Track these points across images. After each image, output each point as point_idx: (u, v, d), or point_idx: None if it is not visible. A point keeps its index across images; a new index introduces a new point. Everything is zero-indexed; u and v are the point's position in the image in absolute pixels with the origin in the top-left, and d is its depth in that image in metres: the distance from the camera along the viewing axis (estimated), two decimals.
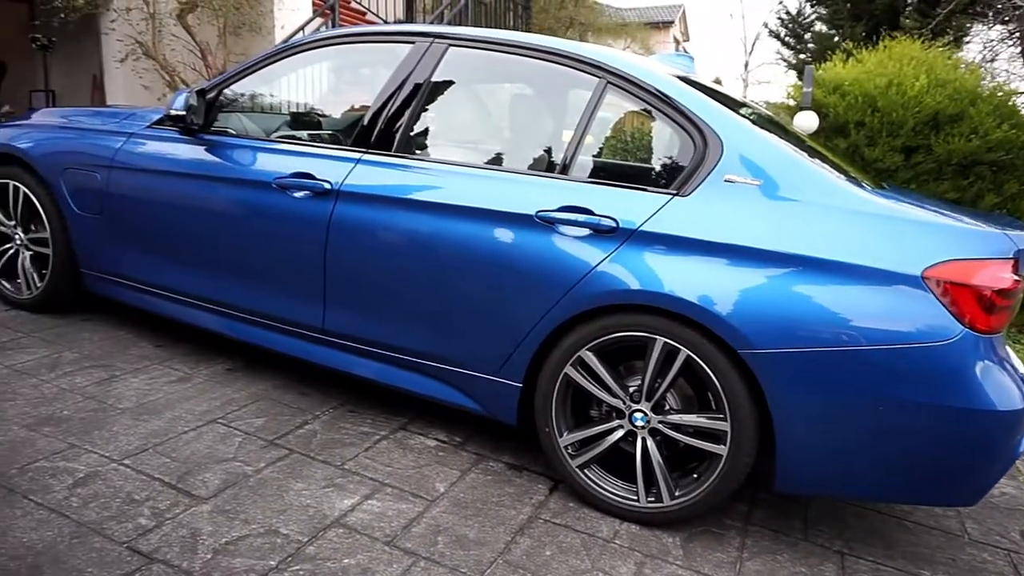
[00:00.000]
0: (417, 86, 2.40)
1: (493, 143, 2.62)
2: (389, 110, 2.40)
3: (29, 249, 3.15)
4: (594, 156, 2.39)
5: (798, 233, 1.87)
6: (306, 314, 2.49)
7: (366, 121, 2.44)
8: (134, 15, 6.48)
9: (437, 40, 2.44)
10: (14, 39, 8.40)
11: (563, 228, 2.05)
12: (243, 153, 2.60)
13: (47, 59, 7.82)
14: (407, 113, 2.38)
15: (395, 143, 2.37)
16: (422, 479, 2.17)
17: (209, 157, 2.64)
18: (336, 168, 2.39)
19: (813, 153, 2.22)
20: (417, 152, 2.44)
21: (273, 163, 2.52)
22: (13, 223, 3.16)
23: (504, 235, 2.12)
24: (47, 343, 2.90)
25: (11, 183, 3.10)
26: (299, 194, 2.40)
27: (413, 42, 2.47)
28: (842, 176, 2.07)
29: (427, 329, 2.29)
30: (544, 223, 2.07)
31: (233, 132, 2.78)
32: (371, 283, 2.34)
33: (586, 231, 2.03)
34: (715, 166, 2.00)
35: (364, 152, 2.39)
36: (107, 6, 6.77)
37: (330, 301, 2.43)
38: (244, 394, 2.62)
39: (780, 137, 2.19)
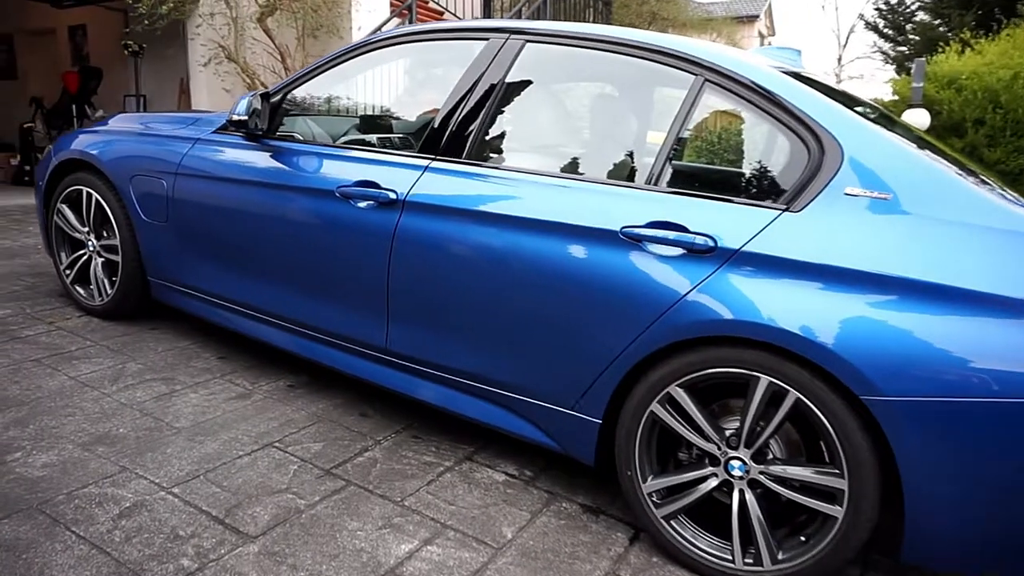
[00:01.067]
0: (491, 87, 2.19)
1: (573, 149, 2.38)
2: (460, 113, 2.20)
3: (101, 256, 3.12)
4: (688, 164, 2.11)
5: (941, 258, 1.55)
6: (368, 332, 2.33)
7: (435, 125, 2.25)
8: (217, 19, 6.57)
9: (513, 36, 2.22)
10: (110, 46, 8.73)
11: (651, 247, 1.80)
12: (306, 159, 2.46)
13: (138, 65, 8.07)
14: (479, 116, 2.17)
15: (466, 149, 2.17)
16: (488, 521, 1.96)
17: (271, 163, 2.51)
18: (402, 176, 2.21)
19: (948, 159, 1.88)
20: (490, 159, 2.23)
21: (337, 170, 2.37)
22: (86, 229, 3.14)
23: (584, 253, 1.88)
24: (113, 353, 2.85)
25: (84, 189, 3.08)
26: (363, 204, 2.24)
27: (487, 39, 2.26)
28: (990, 187, 1.73)
29: (496, 354, 2.08)
30: (630, 240, 1.82)
31: (299, 137, 2.66)
32: (437, 301, 2.15)
33: (678, 251, 1.77)
34: (833, 176, 1.70)
35: (433, 159, 2.21)
36: (193, 11, 6.90)
37: (394, 319, 2.25)
38: (304, 414, 2.48)
39: (909, 141, 1.87)
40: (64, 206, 3.19)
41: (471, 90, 2.21)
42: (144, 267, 2.97)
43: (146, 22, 6.19)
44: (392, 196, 2.18)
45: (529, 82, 2.28)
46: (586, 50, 2.13)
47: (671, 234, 1.77)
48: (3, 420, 2.25)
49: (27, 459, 2.04)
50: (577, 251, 1.89)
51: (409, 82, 2.85)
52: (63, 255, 3.27)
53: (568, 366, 1.96)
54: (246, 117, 2.43)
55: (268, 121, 2.54)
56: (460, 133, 2.19)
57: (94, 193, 3.03)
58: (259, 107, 2.49)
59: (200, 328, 3.14)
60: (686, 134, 1.93)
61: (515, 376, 2.06)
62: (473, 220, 2.05)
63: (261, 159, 2.53)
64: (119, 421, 2.31)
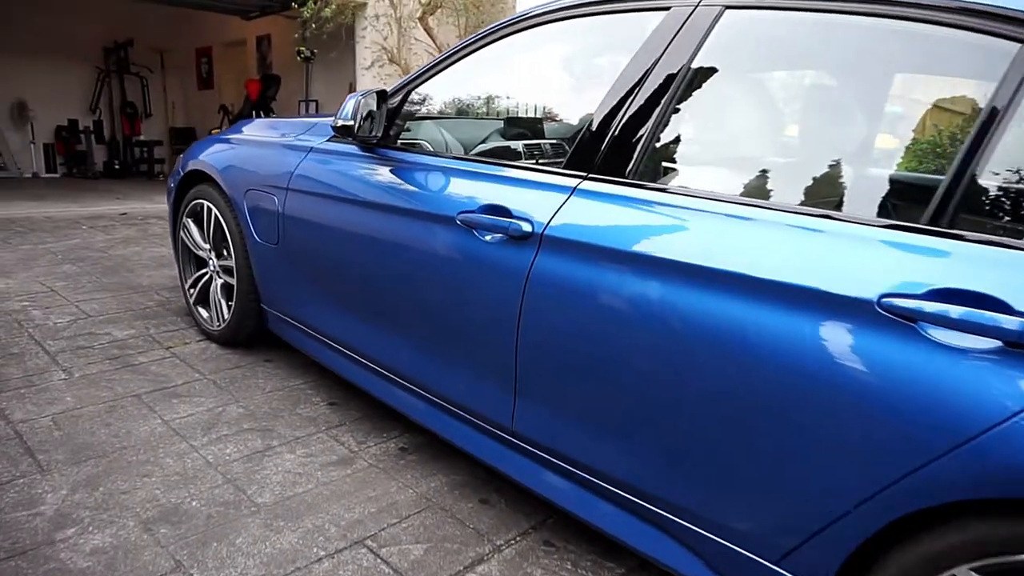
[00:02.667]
0: (670, 77, 1.52)
1: (797, 166, 1.62)
2: (624, 114, 1.56)
3: (220, 277, 2.83)
4: (1006, 191, 1.31)
5: None
6: (490, 405, 1.76)
7: (588, 130, 1.63)
8: (381, 21, 6.40)
9: (706, 2, 1.54)
10: (289, 54, 8.99)
11: (939, 332, 1.06)
12: (424, 175, 1.93)
13: (309, 70, 8.19)
14: (653, 118, 1.52)
15: (632, 164, 1.52)
16: None
17: (382, 179, 2.01)
18: (542, 201, 1.62)
19: None
20: (668, 179, 1.58)
21: (460, 190, 1.82)
22: (208, 247, 2.86)
23: (821, 336, 1.17)
24: (218, 391, 2.52)
25: (205, 203, 2.80)
26: (489, 237, 1.67)
27: (668, 6, 1.60)
28: None
29: (662, 461, 1.43)
30: (899, 320, 1.09)
31: (426, 146, 2.15)
32: (583, 377, 1.53)
33: (994, 343, 1.02)
34: None
35: (584, 177, 1.58)
36: (360, 14, 6.80)
37: (522, 392, 1.66)
38: (411, 495, 1.96)
39: None
40: (189, 220, 2.95)
41: (642, 80, 1.56)
42: (259, 293, 2.62)
43: (312, 26, 6.13)
44: (526, 228, 1.59)
45: (729, 68, 1.58)
46: (830, 14, 1.39)
47: (983, 317, 1.03)
48: (76, 477, 1.93)
49: (79, 540, 1.68)
50: (811, 331, 1.17)
51: (557, 74, 2.24)
52: (188, 273, 3.03)
53: (774, 500, 1.26)
54: (352, 122, 1.94)
55: (385, 127, 2.06)
56: (623, 141, 1.55)
57: (214, 208, 2.74)
58: (373, 109, 2.01)
59: (315, 364, 2.75)
60: (1004, 141, 1.15)
61: (685, 494, 1.40)
62: (641, 270, 1.40)
63: (371, 174, 2.05)
64: (196, 489, 1.92)
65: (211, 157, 2.75)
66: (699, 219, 1.37)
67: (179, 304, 3.42)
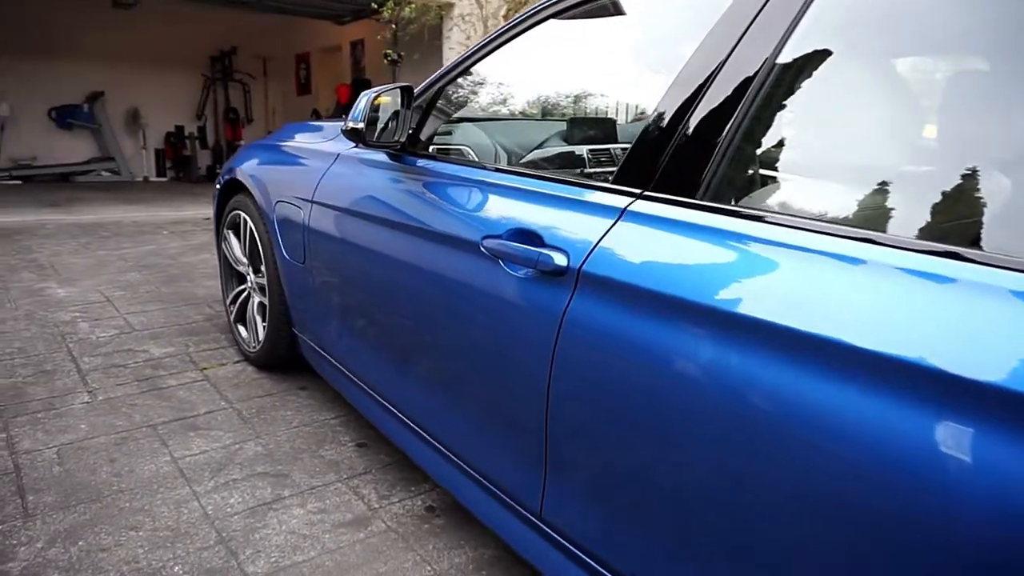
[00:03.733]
0: (759, 64, 1.10)
1: (937, 181, 1.13)
2: (693, 113, 1.15)
3: (256, 295, 2.60)
4: None
5: None
6: (515, 479, 1.40)
7: (645, 132, 1.24)
8: (467, 21, 6.15)
9: None
10: (380, 58, 8.94)
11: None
12: (447, 189, 1.58)
13: (396, 74, 8.07)
14: (733, 119, 1.10)
15: (705, 179, 1.11)
16: None
17: (401, 193, 1.69)
18: (583, 226, 1.23)
19: None
20: (757, 199, 1.16)
21: (486, 208, 1.46)
22: (246, 262, 2.65)
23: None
24: (240, 423, 2.27)
25: (241, 215, 2.58)
26: (516, 271, 1.30)
27: None
28: None
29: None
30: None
31: (469, 153, 1.82)
32: (632, 466, 1.14)
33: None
34: None
35: (636, 196, 1.19)
36: (447, 14, 6.59)
37: (554, 470, 1.28)
38: (427, 573, 1.62)
39: None
40: (229, 232, 2.74)
41: (718, 70, 1.15)
42: (290, 316, 2.36)
43: (393, 26, 5.96)
44: (560, 262, 1.21)
45: (839, 54, 1.14)
46: None
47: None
48: (59, 526, 1.71)
49: None
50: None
51: (637, 58, 1.80)
52: (229, 288, 2.83)
53: None
54: (361, 124, 1.62)
55: (414, 130, 1.73)
56: (691, 150, 1.14)
57: (249, 220, 2.51)
58: (400, 109, 1.68)
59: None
60: None
61: None
62: (710, 329, 0.99)
63: (391, 186, 1.72)
64: (183, 549, 1.65)
65: (246, 164, 2.53)
66: (804, 262, 0.94)
67: (226, 320, 3.24)
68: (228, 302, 2.84)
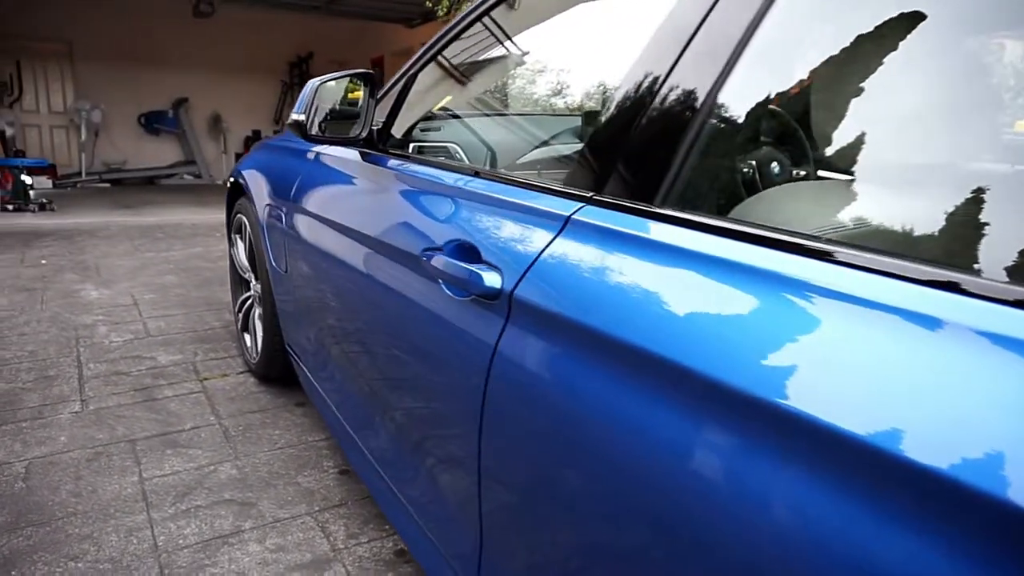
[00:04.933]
0: (729, 29, 0.82)
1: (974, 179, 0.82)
2: (652, 101, 0.88)
3: (258, 305, 2.46)
4: None
5: None
6: (452, 537, 1.16)
7: (595, 130, 0.99)
8: None
9: None
10: None
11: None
12: (401, 191, 1.36)
13: None
14: (699, 109, 0.82)
15: (663, 184, 0.84)
16: None
17: (357, 195, 1.48)
18: (519, 237, 0.99)
19: None
20: (741, 211, 0.88)
21: (432, 213, 1.23)
22: (248, 267, 2.51)
23: None
24: (223, 441, 2.12)
25: (243, 219, 2.44)
26: (452, 292, 1.06)
27: None
28: None
29: None
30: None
31: (455, 151, 1.60)
32: (566, 538, 0.88)
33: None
34: None
35: (585, 200, 0.93)
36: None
37: (489, 533, 1.04)
38: None
39: None
40: (237, 237, 2.62)
41: (685, 49, 0.87)
42: (281, 327, 2.20)
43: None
44: (492, 283, 0.96)
45: (847, 24, 0.84)
46: None
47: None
48: None
49: None
50: None
51: (605, 45, 1.50)
52: (237, 295, 2.71)
53: None
54: (303, 116, 1.42)
55: (383, 126, 1.52)
56: (648, 144, 0.87)
57: (247, 225, 2.38)
58: (364, 103, 1.47)
59: None
60: None
61: None
62: (662, 391, 0.70)
63: (350, 188, 1.52)
64: None
65: (246, 165, 2.39)
66: (796, 298, 0.65)
67: None
68: (235, 310, 2.72)
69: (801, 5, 0.83)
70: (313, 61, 12.06)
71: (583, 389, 0.80)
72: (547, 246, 0.92)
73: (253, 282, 2.48)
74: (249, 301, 2.56)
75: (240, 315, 2.65)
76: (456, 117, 1.64)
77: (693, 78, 0.85)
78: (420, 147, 1.56)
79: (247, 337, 2.64)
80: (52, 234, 5.32)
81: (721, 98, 0.82)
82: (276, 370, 2.39)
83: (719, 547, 0.61)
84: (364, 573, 1.59)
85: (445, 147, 1.58)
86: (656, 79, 0.90)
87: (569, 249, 0.90)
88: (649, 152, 0.87)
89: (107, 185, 10.52)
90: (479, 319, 0.99)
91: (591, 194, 0.93)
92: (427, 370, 1.18)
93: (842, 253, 0.62)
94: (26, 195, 6.75)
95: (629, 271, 0.81)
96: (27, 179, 6.93)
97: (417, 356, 1.22)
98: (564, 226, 0.92)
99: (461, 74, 1.64)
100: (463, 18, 1.41)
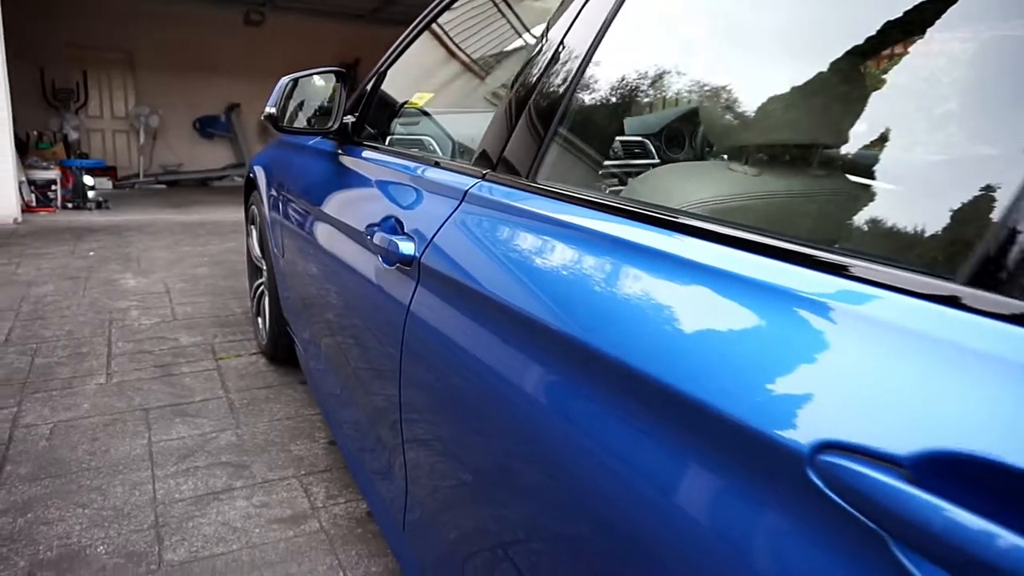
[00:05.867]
0: (580, 58, 0.93)
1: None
2: (535, 94, 1.01)
3: (267, 290, 2.65)
4: None
5: None
6: (383, 491, 1.30)
7: (495, 115, 1.11)
8: None
9: None
10: None
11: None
12: (362, 178, 1.51)
13: None
14: (560, 105, 0.94)
15: (534, 160, 0.97)
16: None
17: (327, 183, 1.64)
18: (431, 210, 1.13)
19: None
20: (598, 184, 1.00)
21: (381, 198, 1.38)
22: (260, 255, 2.71)
23: None
24: (227, 412, 2.31)
25: (254, 208, 2.64)
26: (384, 261, 1.21)
27: None
28: None
29: None
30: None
31: (407, 141, 1.75)
32: (467, 499, 0.99)
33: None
34: None
35: (480, 177, 1.06)
36: None
37: (412, 484, 1.17)
38: None
39: None
40: (252, 227, 2.82)
41: (555, 54, 0.99)
42: (282, 310, 2.38)
43: None
44: (406, 251, 1.10)
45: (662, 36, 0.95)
46: None
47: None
48: (18, 497, 1.79)
49: None
50: None
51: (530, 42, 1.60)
52: (252, 281, 2.91)
53: None
54: (273, 110, 1.58)
55: (356, 120, 1.67)
56: (523, 132, 1.00)
57: (257, 213, 2.57)
58: (337, 98, 1.64)
59: None
60: None
61: None
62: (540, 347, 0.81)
63: (321, 177, 1.68)
64: (116, 530, 1.68)
65: (258, 160, 2.59)
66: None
67: None
68: (251, 296, 2.92)
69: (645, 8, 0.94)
70: (360, 68, 12.42)
71: (475, 345, 0.91)
72: (448, 217, 1.06)
73: (264, 269, 2.67)
74: (261, 287, 2.75)
75: (254, 301, 2.85)
76: (422, 113, 1.79)
77: (557, 82, 0.98)
78: (389, 139, 1.71)
79: (260, 321, 2.84)
80: (103, 229, 5.68)
81: (577, 97, 0.95)
82: (281, 351, 2.57)
83: (586, 475, 0.67)
84: (336, 528, 1.74)
85: (405, 139, 1.72)
86: (528, 80, 1.03)
87: (466, 219, 1.03)
88: (524, 138, 1.00)
89: (163, 186, 11.04)
90: (399, 284, 1.13)
91: (485, 172, 1.06)
92: (372, 338, 1.32)
93: (686, 224, 0.70)
94: (84, 194, 7.19)
95: (509, 237, 0.93)
96: (89, 180, 7.39)
97: (366, 326, 1.36)
98: (462, 200, 1.06)
99: (420, 74, 1.79)
100: (414, 26, 1.55)
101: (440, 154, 1.60)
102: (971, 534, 0.37)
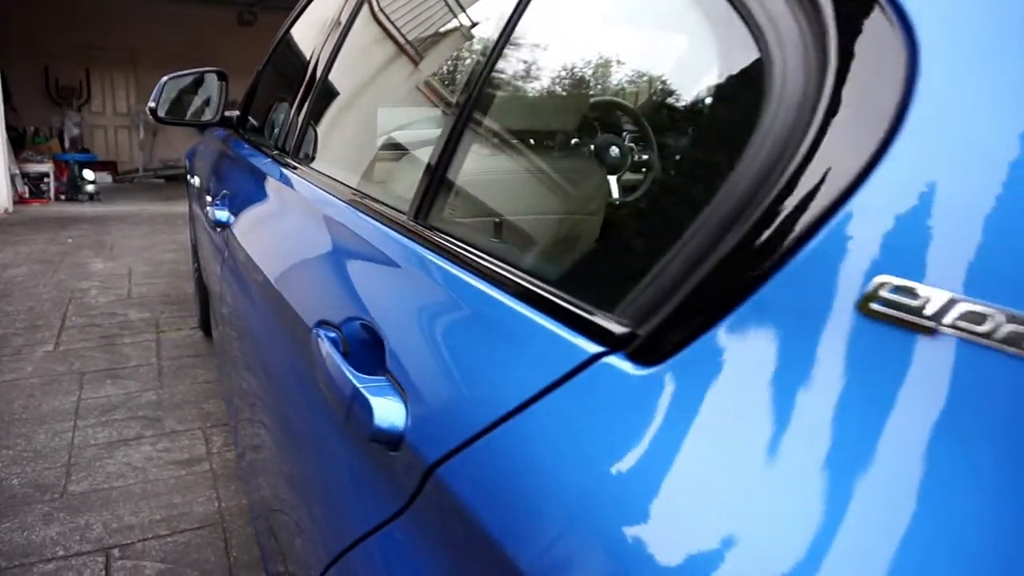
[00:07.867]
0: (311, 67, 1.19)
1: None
2: (311, 94, 1.26)
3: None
4: None
5: None
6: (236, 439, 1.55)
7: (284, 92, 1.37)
8: None
9: None
10: None
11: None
12: (232, 162, 1.77)
13: None
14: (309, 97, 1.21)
15: (304, 141, 1.23)
16: None
17: (219, 170, 1.89)
18: (241, 181, 1.39)
19: None
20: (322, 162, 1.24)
21: (226, 176, 1.63)
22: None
23: None
24: (154, 376, 2.58)
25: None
26: (214, 228, 1.46)
27: None
28: None
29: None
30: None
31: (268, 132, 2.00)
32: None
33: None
34: None
35: (277, 149, 1.33)
36: None
37: (237, 434, 1.42)
38: (210, 510, 1.80)
39: None
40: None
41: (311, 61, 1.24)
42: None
43: None
44: (221, 217, 1.36)
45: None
46: None
47: None
48: None
49: None
50: None
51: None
52: (193, 261, 3.18)
53: None
54: (153, 104, 1.84)
55: (240, 115, 1.92)
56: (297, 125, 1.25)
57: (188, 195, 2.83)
58: (216, 93, 1.89)
59: None
60: None
61: None
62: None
63: (216, 163, 1.94)
64: (32, 468, 1.95)
65: (190, 150, 2.85)
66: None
67: None
68: (193, 274, 3.18)
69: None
70: None
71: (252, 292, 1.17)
72: (250, 191, 1.31)
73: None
74: (197, 265, 3.02)
75: (195, 279, 3.11)
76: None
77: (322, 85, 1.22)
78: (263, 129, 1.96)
79: (198, 297, 3.10)
80: (88, 220, 5.99)
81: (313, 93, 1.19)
82: (209, 325, 2.83)
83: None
84: (225, 470, 2.00)
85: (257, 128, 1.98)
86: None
87: (255, 191, 1.28)
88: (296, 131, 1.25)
89: (161, 181, 11.37)
90: (220, 243, 1.38)
91: (280, 152, 1.31)
92: (223, 291, 1.57)
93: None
94: (77, 187, 7.51)
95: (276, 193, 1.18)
96: (89, 174, 7.73)
97: (210, 274, 1.61)
98: (264, 179, 1.31)
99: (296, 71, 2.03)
100: (287, 27, 1.80)
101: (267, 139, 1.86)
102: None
